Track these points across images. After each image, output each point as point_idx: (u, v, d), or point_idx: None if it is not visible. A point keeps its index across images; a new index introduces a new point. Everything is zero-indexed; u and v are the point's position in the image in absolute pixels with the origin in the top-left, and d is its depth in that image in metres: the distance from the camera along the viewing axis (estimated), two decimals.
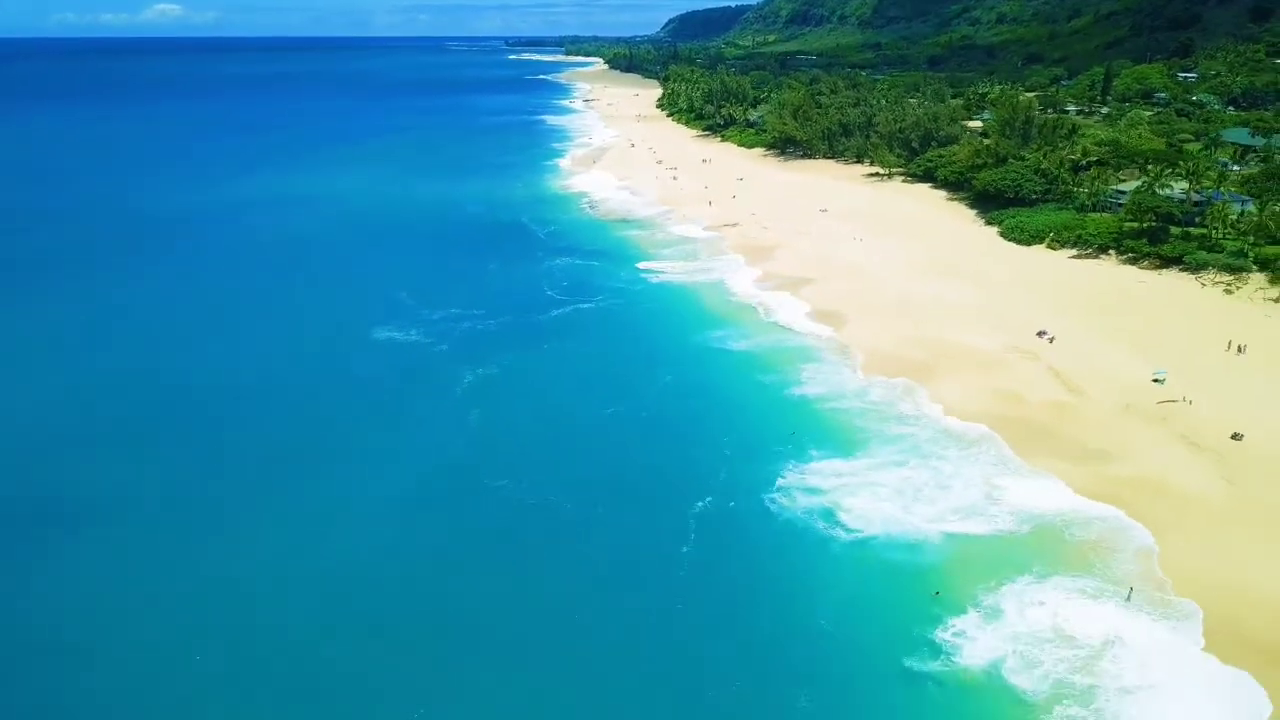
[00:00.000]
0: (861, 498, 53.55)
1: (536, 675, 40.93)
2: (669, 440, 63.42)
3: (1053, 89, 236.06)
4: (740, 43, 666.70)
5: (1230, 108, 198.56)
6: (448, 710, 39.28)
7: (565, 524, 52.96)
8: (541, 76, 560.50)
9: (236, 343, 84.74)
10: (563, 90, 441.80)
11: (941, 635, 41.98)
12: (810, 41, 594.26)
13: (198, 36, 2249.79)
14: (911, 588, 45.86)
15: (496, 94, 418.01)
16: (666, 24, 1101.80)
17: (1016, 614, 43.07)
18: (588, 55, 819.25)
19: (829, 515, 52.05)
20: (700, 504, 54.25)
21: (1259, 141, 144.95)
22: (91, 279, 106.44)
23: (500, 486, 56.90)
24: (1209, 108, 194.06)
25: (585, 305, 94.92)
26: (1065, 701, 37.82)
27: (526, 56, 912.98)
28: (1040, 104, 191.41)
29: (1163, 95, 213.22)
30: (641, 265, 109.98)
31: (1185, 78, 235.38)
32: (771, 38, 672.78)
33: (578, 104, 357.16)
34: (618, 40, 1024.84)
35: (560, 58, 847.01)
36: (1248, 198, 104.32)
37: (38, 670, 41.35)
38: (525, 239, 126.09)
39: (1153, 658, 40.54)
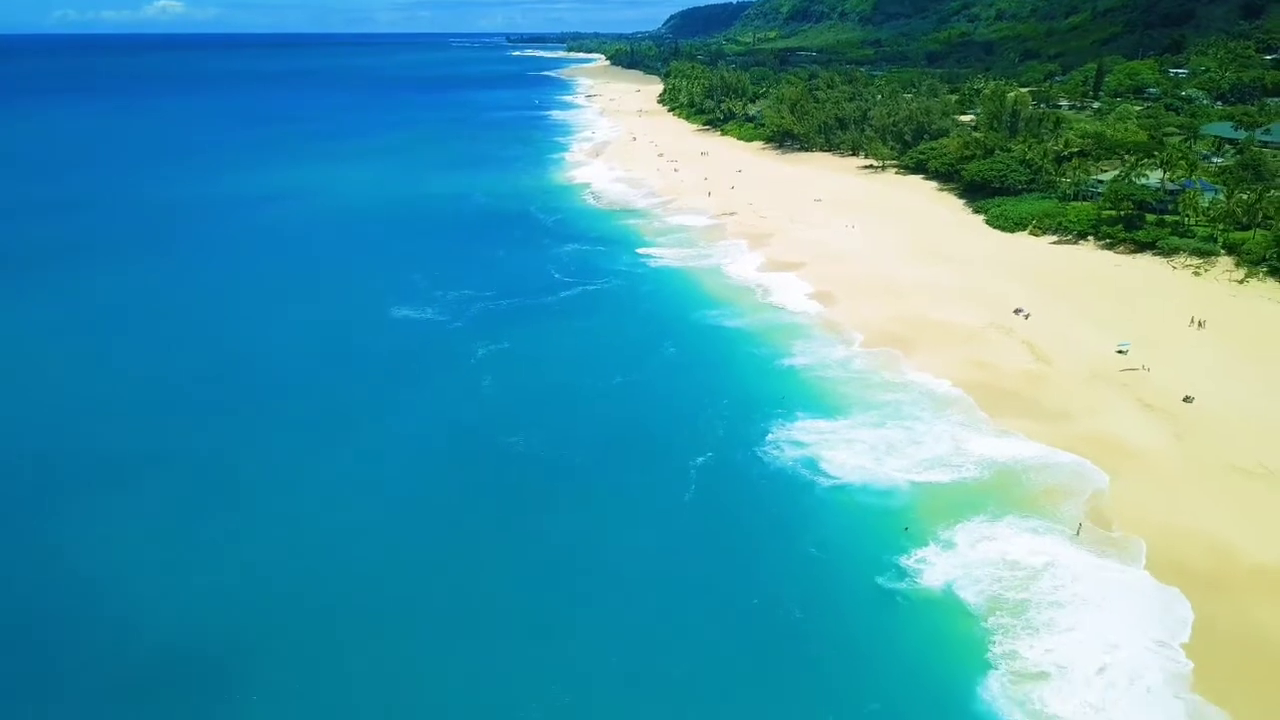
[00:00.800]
0: (841, 451, 59.30)
1: (551, 601, 46.51)
2: (670, 405, 68.93)
3: (1046, 85, 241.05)
4: (741, 39, 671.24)
5: (1218, 103, 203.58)
6: (474, 629, 44.89)
7: (576, 475, 58.66)
8: (544, 73, 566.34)
9: (260, 321, 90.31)
10: (565, 86, 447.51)
11: (907, 561, 47.96)
12: (810, 38, 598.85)
13: (198, 33, 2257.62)
14: (884, 524, 51.69)
15: (500, 90, 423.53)
16: (668, 20, 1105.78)
17: (969, 546, 48.87)
18: (589, 52, 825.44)
19: (812, 465, 57.89)
20: (700, 458, 59.93)
21: (1241, 135, 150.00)
22: (123, 265, 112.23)
23: (513, 443, 62.55)
24: (1197, 103, 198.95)
25: (591, 287, 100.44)
26: (999, 612, 43.99)
27: (529, 53, 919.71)
28: (1034, 99, 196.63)
29: (1154, 91, 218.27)
30: (643, 251, 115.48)
31: (1176, 73, 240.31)
32: (772, 34, 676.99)
33: (580, 99, 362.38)
34: (619, 37, 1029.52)
35: (562, 54, 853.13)
36: (1219, 186, 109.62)
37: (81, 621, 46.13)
38: (532, 227, 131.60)
39: (1095, 579, 46.08)
